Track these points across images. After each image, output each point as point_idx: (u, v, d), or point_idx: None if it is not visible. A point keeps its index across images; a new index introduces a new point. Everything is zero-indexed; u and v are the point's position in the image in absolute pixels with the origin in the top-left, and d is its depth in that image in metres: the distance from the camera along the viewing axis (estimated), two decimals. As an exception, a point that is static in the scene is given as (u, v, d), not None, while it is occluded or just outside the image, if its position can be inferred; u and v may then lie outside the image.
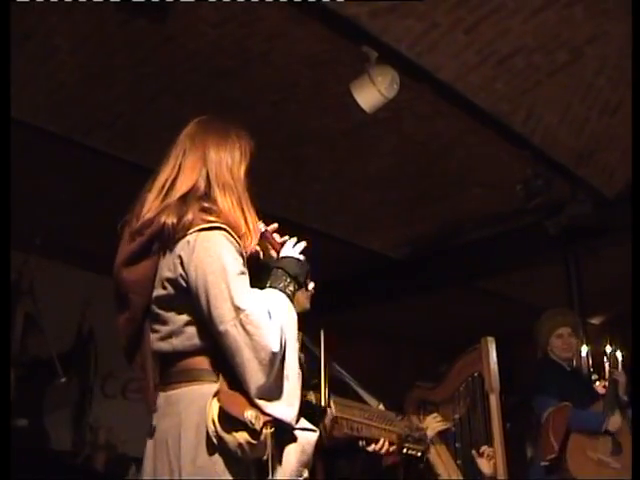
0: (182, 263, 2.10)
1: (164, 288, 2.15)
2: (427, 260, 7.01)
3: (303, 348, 2.36)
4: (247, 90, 4.57)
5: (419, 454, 3.33)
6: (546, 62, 4.37)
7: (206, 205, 2.16)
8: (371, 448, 2.89)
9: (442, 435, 4.07)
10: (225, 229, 2.11)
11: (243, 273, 2.09)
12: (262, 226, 2.31)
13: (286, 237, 2.37)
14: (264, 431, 2.01)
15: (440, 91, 4.48)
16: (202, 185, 2.20)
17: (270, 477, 2.03)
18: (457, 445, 3.98)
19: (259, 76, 4.45)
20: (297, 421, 2.08)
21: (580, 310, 5.92)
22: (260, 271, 2.26)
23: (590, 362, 5.69)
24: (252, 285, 2.14)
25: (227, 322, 2.02)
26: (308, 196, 5.46)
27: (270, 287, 2.20)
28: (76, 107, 4.70)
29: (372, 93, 4.02)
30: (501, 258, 6.70)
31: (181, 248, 2.10)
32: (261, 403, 2.02)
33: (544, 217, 5.73)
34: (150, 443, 2.17)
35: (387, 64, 4.09)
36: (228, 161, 2.25)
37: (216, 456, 2.03)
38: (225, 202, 2.19)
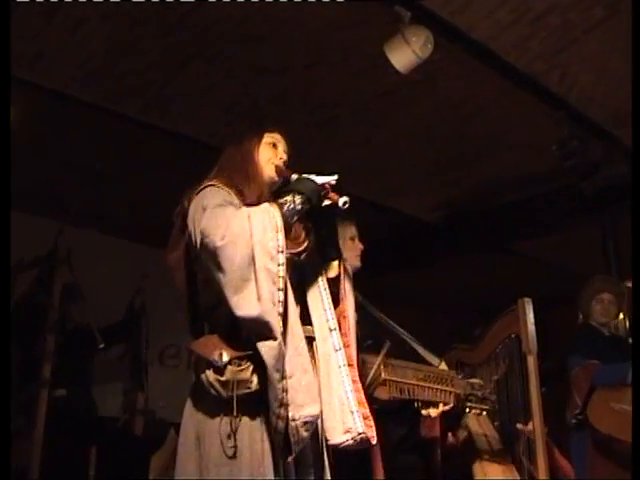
0: (187, 227, 2.41)
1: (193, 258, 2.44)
2: (461, 223, 6.95)
3: (359, 308, 2.45)
4: (278, 54, 4.52)
5: (484, 413, 3.33)
6: (582, 19, 4.27)
7: (211, 178, 2.51)
8: (425, 411, 2.92)
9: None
10: (213, 185, 2.44)
11: (220, 205, 2.32)
12: (294, 176, 2.54)
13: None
14: (228, 367, 2.18)
15: (474, 51, 4.41)
16: (213, 172, 2.58)
17: (235, 413, 2.18)
18: (495, 407, 3.98)
19: (290, 40, 4.40)
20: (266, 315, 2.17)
21: (617, 273, 5.86)
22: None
23: (628, 326, 5.64)
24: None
25: (199, 248, 2.29)
26: (340, 160, 5.42)
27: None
28: (108, 76, 4.70)
29: (406, 53, 3.96)
30: (536, 221, 6.63)
31: (188, 213, 2.42)
32: (233, 299, 2.19)
33: (580, 178, 5.65)
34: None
35: (421, 24, 4.03)
36: (232, 150, 2.65)
37: (205, 400, 2.26)
38: (225, 167, 2.58)
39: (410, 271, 7.76)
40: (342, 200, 2.42)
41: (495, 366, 3.85)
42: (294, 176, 2.55)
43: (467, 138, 5.64)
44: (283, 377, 2.17)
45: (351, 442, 2.34)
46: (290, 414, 2.19)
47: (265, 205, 2.35)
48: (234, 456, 2.17)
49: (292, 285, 2.38)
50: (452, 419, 4.06)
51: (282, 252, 2.24)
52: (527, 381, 3.60)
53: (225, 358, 2.16)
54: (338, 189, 2.49)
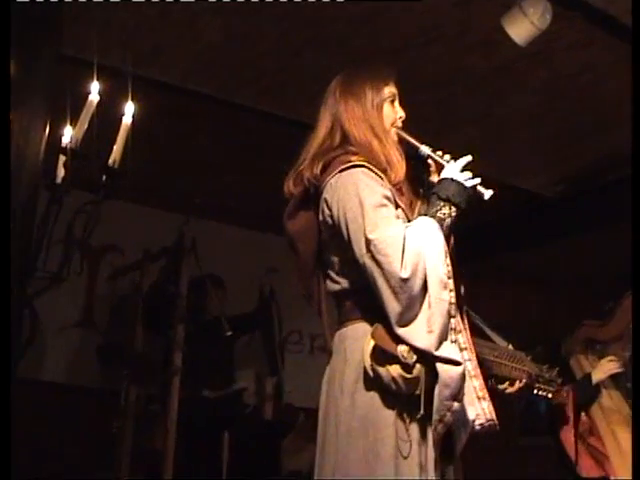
0: (327, 205, 2.25)
1: (322, 232, 2.32)
2: (582, 198, 6.74)
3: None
4: (392, 34, 4.47)
5: (549, 395, 3.25)
6: None
7: (348, 148, 2.32)
8: (502, 386, 2.85)
9: (614, 377, 3.96)
10: (363, 165, 2.24)
11: (383, 205, 2.17)
12: (425, 149, 2.42)
13: (447, 157, 2.40)
14: (417, 366, 2.07)
15: (593, 18, 4.25)
16: (339, 136, 2.38)
17: (422, 412, 2.08)
18: (628, 385, 3.87)
19: (403, 20, 4.34)
20: (437, 348, 2.08)
21: None
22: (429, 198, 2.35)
23: None
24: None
25: (363, 255, 2.11)
26: (457, 138, 5.34)
27: (424, 214, 2.26)
28: (222, 67, 4.76)
29: (525, 26, 3.85)
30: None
31: (326, 191, 2.26)
32: (399, 330, 2.07)
33: None
34: (324, 380, 2.32)
35: (538, -6, 3.91)
36: (357, 111, 2.38)
37: (372, 392, 2.13)
38: (363, 143, 2.33)
39: (531, 249, 7.58)
40: (488, 194, 2.30)
41: (628, 342, 3.74)
42: (424, 149, 2.42)
43: (586, 110, 5.45)
44: (457, 399, 2.10)
45: (479, 428, 2.27)
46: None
47: (429, 224, 2.19)
48: (408, 456, 2.10)
49: None
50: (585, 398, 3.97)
51: (450, 277, 2.14)
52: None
53: (414, 357, 2.07)
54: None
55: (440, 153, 2.42)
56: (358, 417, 2.15)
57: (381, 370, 2.09)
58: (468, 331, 2.33)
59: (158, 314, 5.24)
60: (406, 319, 2.08)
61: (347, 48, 4.57)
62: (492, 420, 2.25)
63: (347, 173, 2.24)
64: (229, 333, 5.17)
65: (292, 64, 4.73)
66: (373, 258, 2.09)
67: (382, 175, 2.26)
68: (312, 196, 2.33)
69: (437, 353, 2.07)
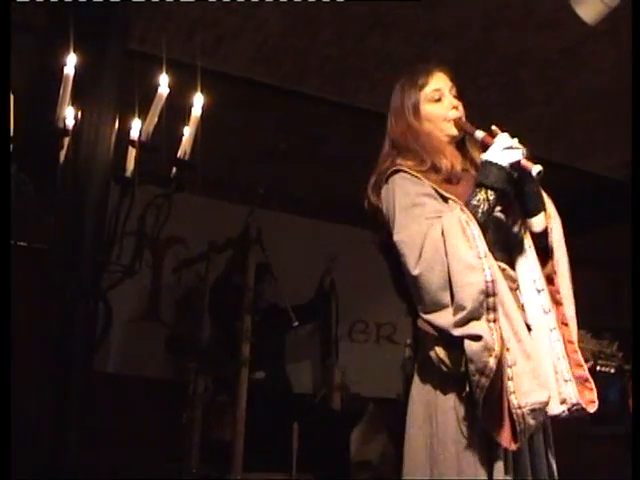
0: (383, 213, 2.42)
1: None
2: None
3: None
4: (455, 18, 4.45)
5: (612, 370, 3.21)
6: None
7: (394, 155, 2.50)
8: None
9: None
10: (400, 170, 2.39)
11: (415, 205, 2.29)
12: (479, 133, 2.46)
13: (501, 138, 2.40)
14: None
15: (663, -6, 4.16)
16: (388, 149, 2.57)
17: (467, 389, 2.11)
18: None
19: (467, 3, 4.31)
20: (461, 326, 2.11)
21: None
22: None
23: None
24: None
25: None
26: (524, 121, 5.29)
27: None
28: (285, 56, 4.78)
29: (594, 4, 3.79)
30: None
31: (382, 203, 2.43)
32: (424, 317, 2.20)
33: None
34: None
35: (606, -30, 3.85)
36: (397, 121, 2.58)
37: (432, 376, 2.25)
38: (405, 147, 2.51)
39: (598, 232, 7.48)
40: (535, 170, 2.28)
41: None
42: (478, 133, 2.46)
43: (657, 89, 5.35)
44: (485, 375, 2.09)
45: (567, 413, 2.27)
46: (516, 402, 2.11)
47: (457, 214, 2.24)
48: (469, 438, 2.15)
49: (497, 247, 2.34)
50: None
51: (486, 257, 2.16)
52: None
53: (456, 333, 2.11)
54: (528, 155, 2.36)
55: (497, 135, 2.41)
56: (422, 403, 2.26)
57: (431, 353, 2.19)
58: (568, 305, 2.42)
59: (225, 305, 5.29)
60: (431, 308, 2.18)
61: (410, 33, 4.56)
62: (578, 405, 2.25)
63: (390, 181, 2.41)
64: (296, 324, 5.19)
65: (355, 50, 4.72)
66: (399, 261, 2.26)
67: (421, 175, 2.38)
68: (376, 210, 2.48)
69: (459, 331, 2.11)
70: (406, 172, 2.38)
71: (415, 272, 2.18)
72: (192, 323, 5.59)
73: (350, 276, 6.51)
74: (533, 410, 2.12)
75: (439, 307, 2.16)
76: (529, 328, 2.32)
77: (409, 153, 2.47)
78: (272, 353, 5.71)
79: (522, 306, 2.38)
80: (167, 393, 5.68)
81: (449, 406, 2.19)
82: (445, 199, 2.33)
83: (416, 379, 2.33)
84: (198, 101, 3.23)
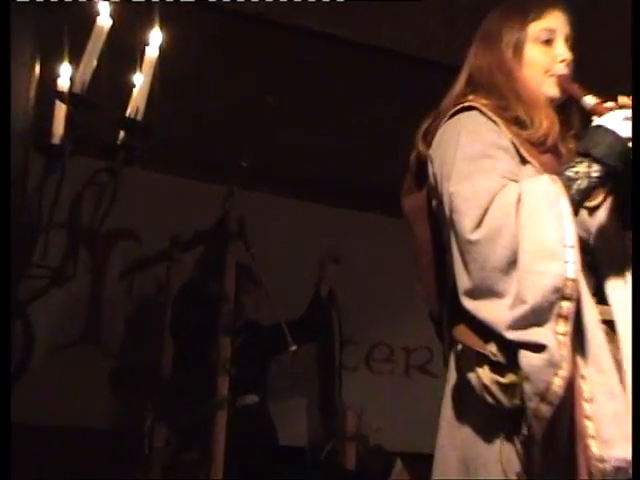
0: (432, 166, 2.40)
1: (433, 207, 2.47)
2: None
3: None
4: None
5: None
6: None
7: (466, 92, 2.48)
8: None
9: None
10: (474, 107, 2.38)
11: (485, 156, 2.26)
12: (590, 100, 2.39)
13: (610, 104, 2.35)
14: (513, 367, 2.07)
15: None
16: (461, 86, 2.56)
17: (524, 431, 2.07)
18: None
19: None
20: (519, 330, 2.05)
21: None
22: None
23: None
24: None
25: (444, 205, 2.28)
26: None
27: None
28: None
29: None
30: None
31: (432, 149, 2.43)
32: (466, 302, 2.16)
33: None
34: None
35: None
36: (487, 54, 2.55)
37: (470, 412, 2.23)
38: (489, 86, 2.48)
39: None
40: None
41: None
42: (588, 100, 2.38)
43: None
44: (547, 401, 2.03)
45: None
46: (596, 451, 2.05)
47: (545, 182, 2.19)
48: None
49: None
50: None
51: (572, 247, 2.10)
52: None
53: (510, 336, 2.06)
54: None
55: (611, 104, 2.33)
56: (454, 450, 2.24)
57: (470, 376, 2.15)
58: None
59: (193, 324, 5.25)
60: (479, 291, 2.14)
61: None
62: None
63: (455, 120, 2.39)
64: (294, 348, 5.15)
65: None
66: (451, 219, 2.22)
67: (501, 122, 2.35)
68: (426, 164, 2.47)
69: (513, 334, 2.05)
70: (482, 112, 2.37)
71: (471, 236, 2.12)
72: (147, 349, 5.56)
73: (367, 282, 6.48)
74: (618, 469, 2.06)
75: (491, 293, 2.10)
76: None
77: (491, 94, 2.45)
78: (255, 386, 5.65)
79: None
80: (112, 449, 5.65)
81: (494, 457, 2.14)
82: (524, 161, 2.32)
83: (447, 415, 2.30)
84: (155, 39, 3.19)
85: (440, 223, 2.40)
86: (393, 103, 5.43)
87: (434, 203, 2.41)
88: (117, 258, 6.29)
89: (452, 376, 2.30)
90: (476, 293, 2.13)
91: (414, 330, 6.56)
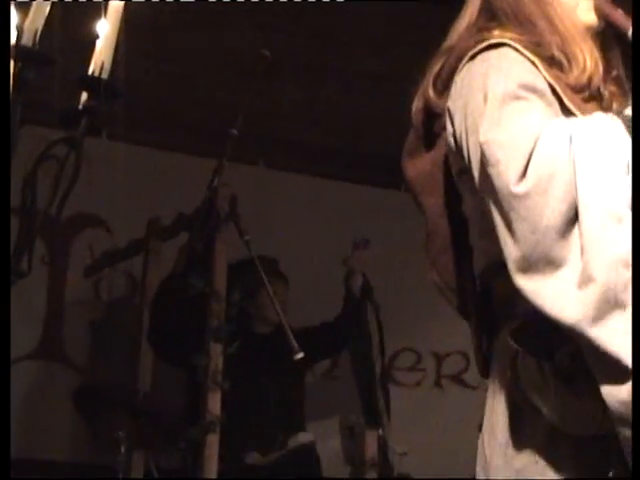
0: (451, 118, 2.31)
1: (452, 169, 2.39)
2: None
3: None
4: None
5: None
6: None
7: (491, 27, 2.37)
8: None
9: None
10: (504, 43, 2.27)
11: (518, 97, 2.16)
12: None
13: None
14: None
15: None
16: (483, 18, 2.45)
17: (611, 474, 2.00)
18: None
19: None
20: (596, 322, 1.94)
21: None
22: None
23: None
24: None
25: (473, 165, 2.18)
26: None
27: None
28: None
29: None
30: None
31: (450, 98, 2.32)
32: (519, 280, 2.02)
33: None
34: None
35: None
36: None
37: (530, 439, 2.13)
38: (520, 18, 2.37)
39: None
40: None
41: None
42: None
43: None
44: None
45: None
46: None
47: (603, 119, 2.13)
48: None
49: None
50: None
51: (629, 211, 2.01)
52: None
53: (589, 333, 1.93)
54: None
55: None
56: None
57: (533, 396, 2.09)
58: None
59: (177, 329, 5.23)
60: (534, 260, 2.02)
61: None
62: None
63: (479, 60, 2.28)
64: (299, 355, 5.11)
65: None
66: (485, 176, 2.11)
67: (535, 58, 2.25)
68: (437, 117, 2.41)
69: (593, 332, 1.93)
70: (514, 48, 2.26)
71: (517, 189, 2.01)
72: (120, 362, 5.54)
73: (387, 271, 6.46)
74: None
75: (550, 262, 1.99)
76: None
77: (521, 27, 2.36)
78: (277, 409, 5.65)
79: None
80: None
81: None
82: (566, 111, 2.23)
83: (500, 442, 2.22)
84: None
85: (462, 193, 2.37)
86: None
87: (454, 170, 2.34)
88: (81, 250, 6.29)
89: (499, 387, 2.23)
90: (527, 264, 2.01)
91: (446, 332, 6.54)
